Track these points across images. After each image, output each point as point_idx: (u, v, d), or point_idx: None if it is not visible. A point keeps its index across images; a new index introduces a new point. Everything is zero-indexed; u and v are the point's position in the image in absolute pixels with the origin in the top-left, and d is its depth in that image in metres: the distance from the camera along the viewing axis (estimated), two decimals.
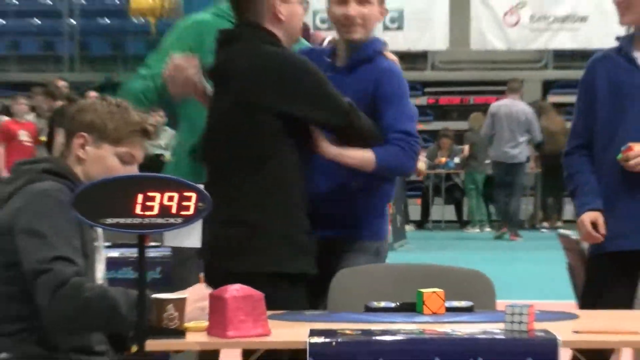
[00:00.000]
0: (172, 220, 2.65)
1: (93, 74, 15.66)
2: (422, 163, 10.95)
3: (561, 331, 2.80)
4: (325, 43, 4.01)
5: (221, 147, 3.37)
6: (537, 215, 14.58)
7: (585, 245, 4.21)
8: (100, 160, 2.95)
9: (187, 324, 2.69)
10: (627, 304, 3.82)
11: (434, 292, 3.09)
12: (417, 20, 15.55)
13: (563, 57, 15.36)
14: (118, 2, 16.66)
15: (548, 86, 15.31)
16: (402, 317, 3.07)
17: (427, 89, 16.95)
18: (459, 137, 15.19)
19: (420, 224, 15.51)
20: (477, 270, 3.51)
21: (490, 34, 14.66)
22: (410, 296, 3.18)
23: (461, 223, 15.13)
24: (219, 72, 3.41)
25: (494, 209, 13.89)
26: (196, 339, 2.74)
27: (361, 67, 3.60)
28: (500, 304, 3.14)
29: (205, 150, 3.51)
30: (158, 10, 14.87)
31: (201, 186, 2.69)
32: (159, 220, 2.66)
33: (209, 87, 3.55)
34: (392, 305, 3.19)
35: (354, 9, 3.50)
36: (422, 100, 16.55)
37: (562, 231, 4.96)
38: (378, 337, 2.79)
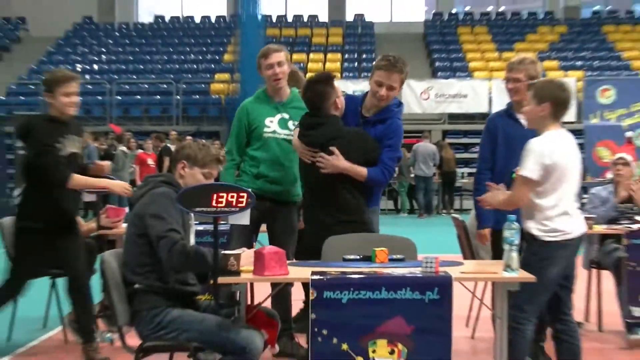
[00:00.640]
0: (232, 209, 3.63)
1: (190, 126, 20.97)
2: None
3: (453, 272, 3.65)
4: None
5: (329, 180, 4.50)
6: (439, 206, 19.51)
7: (467, 222, 5.60)
8: (193, 176, 3.96)
9: (241, 268, 3.62)
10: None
11: (382, 250, 3.97)
12: None
13: (453, 117, 21.11)
14: (203, 86, 23.16)
15: (445, 134, 20.93)
16: (363, 264, 3.91)
17: None
18: None
19: None
20: (406, 238, 4.47)
21: (412, 104, 19.76)
22: (368, 252, 4.04)
23: (397, 210, 19.65)
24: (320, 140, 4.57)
25: (415, 203, 18.93)
26: (246, 276, 3.62)
27: (379, 122, 4.75)
28: (420, 257, 4.01)
29: (314, 181, 4.61)
30: (227, 91, 21.89)
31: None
32: (225, 209, 3.63)
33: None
34: (358, 257, 4.06)
35: (384, 92, 4.68)
36: None
37: (453, 215, 6.16)
38: (349, 275, 3.62)
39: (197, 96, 22.69)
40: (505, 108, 5.21)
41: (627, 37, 25.21)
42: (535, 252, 4.15)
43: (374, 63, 4.84)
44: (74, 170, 5.14)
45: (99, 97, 22.38)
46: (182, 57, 25.40)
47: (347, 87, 17.71)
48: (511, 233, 3.74)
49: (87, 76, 23.83)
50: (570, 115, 20.70)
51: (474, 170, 6.24)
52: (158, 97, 22.74)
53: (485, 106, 19.86)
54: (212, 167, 3.98)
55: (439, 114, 20.89)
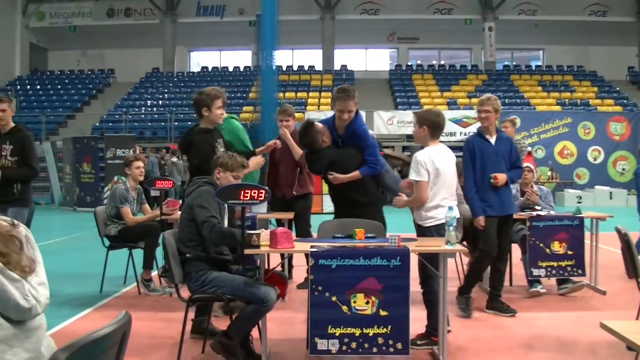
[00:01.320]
0: (254, 201, 3.60)
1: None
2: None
3: (411, 246, 3.59)
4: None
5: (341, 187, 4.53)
6: None
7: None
8: (226, 179, 3.93)
9: (261, 243, 3.58)
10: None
11: (360, 230, 3.93)
12: None
13: (409, 137, 18.81)
14: (235, 114, 20.28)
15: (404, 148, 19.24)
16: (347, 240, 3.87)
17: None
18: None
19: None
20: (378, 222, 4.39)
21: (381, 128, 19.90)
22: (350, 232, 4.00)
23: None
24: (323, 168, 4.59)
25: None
26: (264, 249, 3.55)
27: (350, 136, 4.64)
28: (387, 235, 3.91)
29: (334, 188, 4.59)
30: (251, 119, 20.43)
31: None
32: (249, 201, 3.59)
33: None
34: (344, 235, 4.03)
35: (346, 116, 4.55)
36: None
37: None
38: (337, 248, 3.58)
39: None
40: (476, 132, 5.13)
41: (527, 83, 25.23)
42: (420, 234, 4.18)
43: (333, 94, 4.67)
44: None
45: (162, 123, 22.40)
46: None
47: None
48: (450, 218, 3.70)
49: (155, 109, 23.90)
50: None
51: None
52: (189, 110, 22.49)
53: None
54: (239, 171, 3.95)
55: (400, 134, 20.64)
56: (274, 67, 19.82)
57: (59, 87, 27.11)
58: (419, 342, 4.12)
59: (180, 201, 5.56)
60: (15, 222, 1.94)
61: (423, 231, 4.15)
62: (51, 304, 2.00)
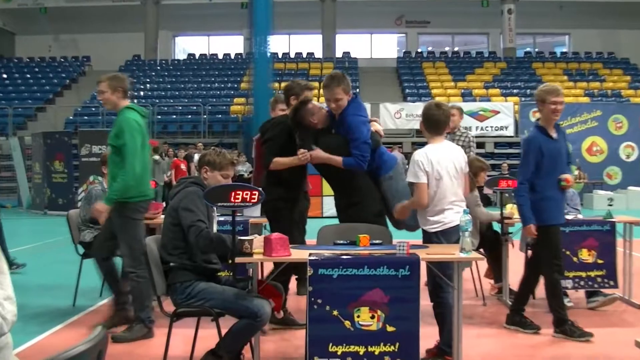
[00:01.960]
0: (246, 204, 3.60)
1: (214, 139, 20.71)
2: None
3: (421, 253, 3.56)
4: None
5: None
6: None
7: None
8: (214, 178, 3.93)
9: (254, 251, 3.56)
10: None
11: (365, 236, 3.90)
12: None
13: (420, 132, 19.40)
14: (225, 108, 23.06)
15: (413, 145, 19.49)
16: (350, 247, 3.84)
17: None
18: None
19: None
20: (384, 227, 4.39)
21: (388, 122, 20.13)
22: (354, 238, 3.97)
23: None
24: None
25: None
26: (257, 257, 3.53)
27: (340, 123, 4.61)
28: (394, 241, 3.90)
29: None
30: (243, 112, 21.78)
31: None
32: (241, 204, 3.58)
33: None
34: (346, 242, 4.01)
35: (333, 105, 4.58)
36: None
37: None
38: (339, 256, 3.54)
39: (220, 115, 22.78)
40: (536, 127, 4.92)
41: (551, 72, 25.31)
42: (426, 240, 4.15)
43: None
44: None
45: None
46: (208, 85, 25.41)
47: None
48: (465, 222, 3.69)
49: (135, 100, 23.90)
50: (510, 131, 20.77)
51: None
52: (189, 116, 22.92)
53: None
54: (228, 169, 3.95)
55: (408, 129, 20.78)
56: (269, 54, 19.89)
57: (28, 76, 27.14)
58: None
59: (164, 204, 5.56)
60: None
61: (429, 237, 4.14)
62: (18, 320, 1.98)
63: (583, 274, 5.78)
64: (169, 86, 25.37)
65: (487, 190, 6.07)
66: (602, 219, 5.93)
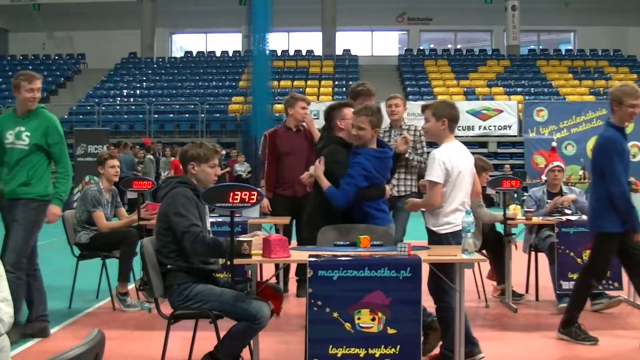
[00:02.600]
0: (245, 204, 3.63)
1: (211, 138, 19.86)
2: None
3: (422, 255, 3.59)
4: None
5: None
6: None
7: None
8: (202, 172, 3.89)
9: (252, 252, 3.57)
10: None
11: (365, 237, 3.91)
12: None
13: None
14: (223, 106, 23.06)
15: None
16: (350, 249, 3.86)
17: None
18: None
19: None
20: (384, 228, 4.33)
21: (389, 121, 18.75)
22: (354, 239, 3.99)
23: None
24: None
25: None
26: (256, 258, 3.55)
27: (355, 154, 4.32)
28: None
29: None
30: (241, 110, 21.65)
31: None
32: (239, 204, 3.61)
33: None
34: (347, 243, 4.02)
35: (356, 132, 4.27)
36: None
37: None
38: (339, 258, 3.56)
39: (218, 114, 22.71)
40: (614, 127, 4.92)
41: (556, 70, 25.30)
42: (433, 241, 4.13)
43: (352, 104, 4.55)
44: None
45: (140, 116, 22.48)
46: (206, 83, 25.40)
47: None
48: (467, 223, 3.70)
49: (132, 99, 23.96)
50: (513, 130, 20.78)
51: None
52: (187, 115, 22.82)
53: None
54: (214, 159, 3.92)
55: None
56: (268, 52, 19.90)
57: None
58: None
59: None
60: None
61: (438, 238, 4.12)
62: (14, 323, 1.99)
63: None
64: (165, 85, 25.37)
65: (489, 191, 6.09)
66: None
